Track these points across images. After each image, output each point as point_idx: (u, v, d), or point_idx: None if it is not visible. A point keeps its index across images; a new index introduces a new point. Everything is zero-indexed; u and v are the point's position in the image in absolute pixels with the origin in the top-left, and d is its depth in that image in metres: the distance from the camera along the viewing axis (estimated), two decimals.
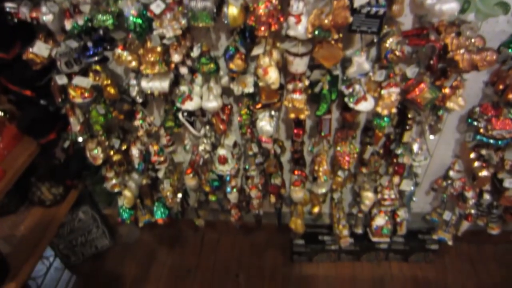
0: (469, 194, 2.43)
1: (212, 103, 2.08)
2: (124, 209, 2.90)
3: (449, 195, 2.54)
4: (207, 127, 2.41)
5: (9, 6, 1.89)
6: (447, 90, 1.94)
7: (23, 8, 1.88)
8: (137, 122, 2.33)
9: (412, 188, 2.53)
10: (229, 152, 2.39)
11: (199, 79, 2.15)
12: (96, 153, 2.50)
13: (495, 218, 2.65)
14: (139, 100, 2.23)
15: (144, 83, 2.09)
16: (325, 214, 3.15)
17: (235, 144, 2.49)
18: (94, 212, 3.34)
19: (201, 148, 2.41)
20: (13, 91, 2.22)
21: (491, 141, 2.09)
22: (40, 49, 1.97)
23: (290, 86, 2.01)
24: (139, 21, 1.79)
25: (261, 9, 1.67)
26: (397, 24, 1.89)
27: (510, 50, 1.88)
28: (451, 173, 2.49)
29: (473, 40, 1.72)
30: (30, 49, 1.98)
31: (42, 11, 1.86)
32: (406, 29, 1.93)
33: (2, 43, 2.02)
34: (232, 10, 1.76)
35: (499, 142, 2.09)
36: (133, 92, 2.19)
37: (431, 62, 1.85)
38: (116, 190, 2.75)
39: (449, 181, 2.51)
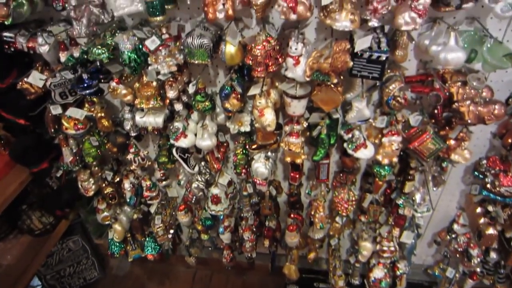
0: (474, 252, 2.26)
1: (206, 142, 2.01)
2: (114, 243, 2.80)
3: (453, 250, 2.38)
4: (202, 163, 2.33)
5: (6, 35, 1.89)
6: (452, 142, 1.84)
7: (20, 38, 1.88)
8: (130, 156, 2.26)
9: (413, 240, 2.38)
10: (223, 191, 2.29)
11: (195, 115, 2.10)
12: (87, 185, 2.43)
13: (502, 278, 2.46)
14: (133, 133, 2.18)
15: (138, 118, 2.04)
16: (322, 260, 2.99)
17: (230, 183, 2.40)
18: (85, 242, 3.23)
19: (194, 185, 2.33)
20: (7, 120, 2.18)
21: (499, 198, 1.96)
22: (35, 79, 1.94)
23: (287, 128, 1.93)
24: (134, 56, 1.75)
25: (258, 50, 1.61)
26: (401, 69, 1.82)
27: None
28: (456, 226, 2.34)
29: (480, 91, 1.63)
30: (25, 79, 1.96)
31: (39, 42, 1.86)
32: (410, 74, 1.87)
33: None
34: (230, 49, 1.72)
35: (507, 200, 1.95)
36: (127, 125, 2.14)
37: (435, 111, 1.76)
38: (107, 222, 2.67)
39: (453, 235, 2.36)
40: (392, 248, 2.36)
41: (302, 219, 2.47)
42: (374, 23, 1.52)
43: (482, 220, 2.14)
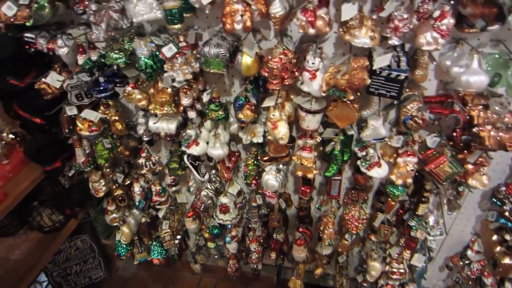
0: (488, 280, 2.17)
1: (218, 151, 2.00)
2: (121, 245, 2.80)
3: (465, 277, 2.29)
4: (213, 171, 2.31)
5: (27, 36, 1.91)
6: (469, 166, 1.77)
7: (40, 39, 1.90)
8: (141, 160, 2.26)
9: (424, 264, 2.31)
10: (232, 201, 2.27)
11: (208, 123, 2.09)
12: (98, 186, 2.44)
13: None
14: (146, 138, 2.18)
15: (152, 123, 2.04)
16: (329, 276, 2.93)
17: (239, 193, 2.37)
18: (93, 242, 3.25)
19: (203, 193, 2.31)
20: (23, 118, 2.21)
21: None
22: (52, 80, 1.97)
23: (300, 142, 1.90)
24: (151, 62, 1.76)
25: (275, 63, 1.59)
26: (420, 88, 1.78)
27: None
28: (469, 252, 2.26)
29: (502, 116, 1.57)
30: (43, 79, 1.98)
31: (58, 44, 1.88)
32: (429, 94, 1.82)
33: (17, 71, 2.04)
34: (246, 60, 1.71)
35: None
36: (140, 130, 2.14)
37: (454, 134, 1.71)
38: (115, 224, 2.67)
39: (466, 262, 2.28)
40: (402, 270, 2.30)
41: (310, 234, 2.43)
42: (394, 41, 1.48)
43: (498, 249, 2.05)
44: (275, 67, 1.60)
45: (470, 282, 2.32)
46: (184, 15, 1.68)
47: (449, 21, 1.41)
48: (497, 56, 1.59)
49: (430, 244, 2.25)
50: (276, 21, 1.56)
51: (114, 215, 2.63)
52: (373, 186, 2.28)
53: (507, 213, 1.92)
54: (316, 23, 1.47)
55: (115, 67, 1.94)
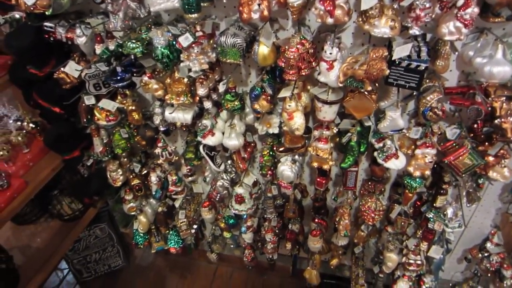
0: (508, 273, 2.14)
1: (233, 141, 2.00)
2: (139, 233, 2.85)
3: (484, 269, 2.27)
4: (229, 162, 2.32)
5: (47, 25, 1.94)
6: (490, 158, 1.73)
7: (59, 28, 1.92)
8: (158, 150, 2.28)
9: (441, 256, 2.28)
10: (247, 191, 2.28)
11: (224, 114, 2.09)
12: (116, 175, 2.48)
13: None
14: (162, 128, 2.19)
15: (168, 113, 2.05)
16: (345, 266, 2.93)
17: (255, 184, 2.38)
18: (111, 230, 3.31)
19: (219, 183, 2.32)
20: (43, 107, 2.24)
21: None
22: (71, 69, 1.99)
23: (316, 133, 1.89)
24: (167, 51, 1.76)
25: (291, 53, 1.57)
26: (441, 79, 1.74)
27: None
28: (489, 245, 2.23)
29: None
30: (62, 69, 2.01)
31: (77, 33, 1.90)
32: (450, 85, 1.78)
33: (37, 60, 2.07)
34: (263, 49, 1.70)
35: None
36: (157, 120, 2.16)
37: (475, 125, 1.67)
38: (132, 213, 2.71)
39: (486, 254, 2.25)
40: (419, 262, 2.27)
41: (326, 225, 2.42)
42: (415, 31, 1.45)
43: None
44: (291, 57, 1.58)
45: (489, 274, 2.29)
46: (202, 4, 1.66)
47: (473, 10, 1.36)
48: None
49: (448, 236, 2.22)
50: (294, 11, 1.54)
51: (131, 204, 2.67)
52: (390, 178, 2.25)
53: None
54: (334, 12, 1.44)
55: (132, 57, 1.96)
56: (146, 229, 2.82)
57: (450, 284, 2.75)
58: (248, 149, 2.20)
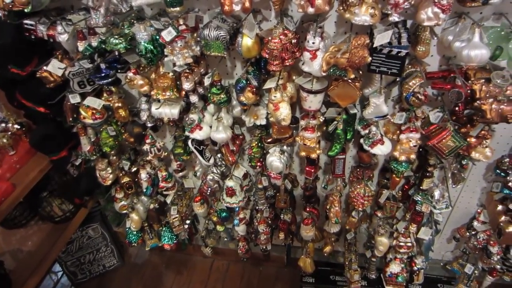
0: (494, 249, 2.22)
1: (221, 135, 2.01)
2: (132, 232, 2.85)
3: (472, 247, 2.33)
4: (218, 155, 2.33)
5: (27, 23, 1.90)
6: (472, 140, 1.78)
7: (40, 26, 1.89)
8: (146, 146, 2.28)
9: (430, 237, 2.34)
10: (238, 184, 2.29)
11: (211, 107, 2.10)
12: (105, 174, 2.47)
13: None
14: (149, 124, 2.19)
15: (154, 109, 2.05)
16: (339, 253, 2.98)
17: (245, 176, 2.40)
18: (104, 230, 3.30)
19: (209, 177, 2.33)
20: (27, 107, 2.22)
21: None
22: (54, 68, 1.97)
23: (302, 123, 1.91)
24: (151, 46, 1.75)
25: (274, 43, 1.59)
26: (422, 64, 1.77)
27: None
28: (475, 223, 2.29)
29: (504, 89, 1.56)
30: (45, 67, 1.98)
31: (58, 30, 1.87)
32: (432, 70, 1.81)
33: (18, 59, 2.03)
34: (246, 41, 1.70)
35: None
36: (144, 116, 2.15)
37: (457, 108, 1.71)
38: (124, 211, 2.71)
39: (473, 232, 2.32)
40: (409, 244, 2.33)
41: (318, 213, 2.46)
42: (395, 18, 1.47)
43: (502, 218, 2.08)
44: (274, 48, 1.60)
45: (477, 252, 2.37)
46: None
47: None
48: (498, 29, 1.57)
49: (436, 217, 2.28)
50: (276, 1, 1.55)
51: (122, 202, 2.66)
52: (378, 163, 2.29)
53: (510, 184, 1.94)
54: (315, 2, 1.46)
55: (116, 53, 1.95)
56: (139, 226, 2.82)
57: (441, 264, 2.83)
58: (237, 142, 2.21)
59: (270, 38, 1.62)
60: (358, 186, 2.15)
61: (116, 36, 1.79)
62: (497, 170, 2.01)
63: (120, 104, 2.13)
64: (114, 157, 2.51)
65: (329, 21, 1.77)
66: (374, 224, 2.49)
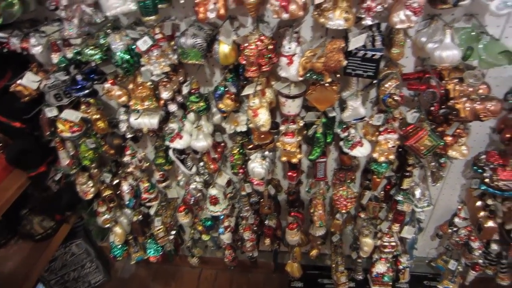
0: (475, 244, 2.26)
1: (201, 143, 2.00)
2: (116, 246, 2.79)
3: (454, 243, 2.37)
4: (200, 164, 2.31)
5: None
6: (449, 138, 1.82)
7: (13, 38, 1.85)
8: (127, 158, 2.26)
9: (414, 235, 2.37)
10: (221, 192, 2.28)
11: (191, 115, 2.08)
12: (86, 188, 2.43)
13: (505, 268, 2.46)
14: (129, 135, 2.17)
15: (133, 119, 2.03)
16: (326, 256, 2.98)
17: (229, 183, 2.39)
18: (88, 245, 3.23)
19: (192, 187, 2.32)
20: (2, 122, 2.17)
21: (497, 192, 1.95)
22: (28, 81, 1.94)
23: (282, 128, 1.92)
24: (127, 56, 1.74)
25: (250, 50, 1.59)
26: (398, 66, 1.80)
27: None
28: (457, 220, 2.32)
29: (476, 88, 1.61)
30: (19, 81, 1.94)
31: (31, 43, 1.83)
32: (408, 71, 1.85)
33: None
34: (223, 48, 1.71)
35: (505, 194, 1.94)
36: (123, 127, 2.13)
37: (432, 108, 1.74)
38: (107, 225, 2.66)
39: (454, 229, 2.35)
40: (393, 243, 2.35)
41: (302, 217, 2.46)
42: (368, 21, 1.49)
43: (481, 214, 2.13)
44: (251, 54, 1.61)
45: (459, 248, 2.41)
46: (159, 6, 1.65)
47: None
48: (469, 30, 1.62)
49: (419, 216, 2.31)
50: (251, 8, 1.55)
51: (105, 216, 2.61)
52: (359, 165, 2.31)
53: (487, 180, 1.98)
54: (289, 7, 1.47)
55: (93, 64, 1.92)
56: (123, 240, 2.77)
57: (426, 261, 2.86)
58: (218, 149, 2.21)
59: (246, 44, 1.63)
60: (341, 189, 2.17)
61: (92, 47, 1.77)
62: (475, 167, 2.05)
63: (98, 116, 2.09)
64: (95, 170, 2.46)
65: (306, 26, 1.79)
66: (358, 226, 2.51)
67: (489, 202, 2.10)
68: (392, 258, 2.53)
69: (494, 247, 2.33)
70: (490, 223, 2.09)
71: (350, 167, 2.22)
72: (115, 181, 2.51)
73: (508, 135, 1.80)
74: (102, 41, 1.78)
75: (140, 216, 2.66)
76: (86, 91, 1.96)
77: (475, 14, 1.63)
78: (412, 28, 1.59)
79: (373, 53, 1.55)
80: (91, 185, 2.46)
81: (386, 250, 2.37)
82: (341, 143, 1.93)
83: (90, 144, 2.22)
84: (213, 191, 2.26)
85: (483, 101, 1.61)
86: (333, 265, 2.69)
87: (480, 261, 2.42)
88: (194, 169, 2.27)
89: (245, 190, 2.34)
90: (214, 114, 2.06)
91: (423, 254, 2.84)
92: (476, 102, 1.60)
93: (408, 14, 1.47)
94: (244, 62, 1.68)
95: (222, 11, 1.55)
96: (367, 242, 2.39)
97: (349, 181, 2.23)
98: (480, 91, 1.61)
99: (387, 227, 2.31)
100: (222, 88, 1.82)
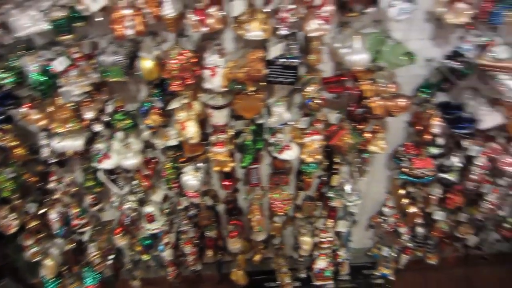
0: (403, 229, 2.45)
1: (130, 161, 1.96)
2: (48, 280, 2.60)
3: (385, 231, 2.55)
4: (133, 182, 2.25)
5: None
6: (367, 135, 1.96)
7: None
8: (53, 184, 2.13)
9: (348, 228, 2.51)
10: (158, 208, 2.24)
11: (118, 134, 2.02)
12: (7, 222, 2.24)
13: (431, 248, 2.69)
14: (52, 160, 2.05)
15: (56, 143, 1.92)
16: (270, 259, 3.03)
17: (165, 198, 2.35)
18: (17, 285, 2.96)
19: (126, 206, 2.24)
20: None
21: (416, 179, 2.13)
22: None
23: (213, 138, 1.94)
24: (42, 78, 1.66)
25: (173, 64, 1.60)
26: (317, 71, 1.90)
27: (423, 94, 1.95)
28: (385, 209, 2.51)
29: (387, 87, 1.76)
30: None
31: None
32: (327, 75, 1.95)
33: None
34: (146, 64, 1.69)
35: (423, 180, 2.13)
36: (45, 152, 2.01)
37: (351, 108, 1.87)
38: (37, 259, 2.46)
39: (384, 218, 2.53)
40: (330, 239, 2.47)
41: (242, 224, 2.49)
42: (283, 31, 1.57)
43: (404, 201, 2.31)
44: (173, 68, 1.61)
45: (389, 235, 2.59)
46: (75, 24, 1.60)
47: (329, 8, 1.54)
48: (376, 35, 1.76)
49: (351, 209, 2.44)
50: (170, 23, 1.57)
51: (33, 249, 2.41)
52: (292, 168, 2.40)
53: (405, 169, 2.17)
54: (206, 21, 1.50)
55: (6, 89, 1.80)
56: (55, 272, 2.56)
57: (363, 252, 3.02)
58: (150, 166, 2.16)
59: (168, 59, 1.63)
60: (275, 192, 2.23)
61: (3, 70, 1.67)
62: (395, 159, 2.23)
63: (16, 143, 1.96)
64: (18, 201, 2.28)
65: (228, 38, 1.84)
66: (296, 226, 2.59)
67: (410, 189, 2.29)
68: (331, 253, 2.64)
69: (420, 230, 2.53)
70: (412, 209, 2.28)
71: (283, 171, 2.29)
72: (42, 210, 2.35)
73: (419, 127, 1.99)
74: (14, 63, 1.68)
75: (73, 244, 2.51)
76: (0, 118, 1.83)
77: (381, 20, 1.78)
78: (327, 35, 1.70)
79: (291, 60, 1.63)
80: (14, 217, 2.27)
81: (324, 246, 2.48)
82: (271, 148, 1.99)
83: (9, 173, 2.06)
84: (148, 209, 2.21)
85: (394, 98, 1.76)
86: (277, 268, 2.75)
87: (410, 244, 2.62)
88: (126, 188, 2.20)
89: (182, 204, 2.31)
90: (142, 130, 2.02)
91: (360, 245, 2.99)
92: (387, 99, 1.76)
93: (319, 23, 1.57)
94: (167, 76, 1.67)
95: (140, 28, 1.54)
96: (306, 241, 2.48)
97: (283, 184, 2.29)
98: (390, 89, 1.76)
99: (322, 224, 2.41)
100: (147, 104, 1.80)
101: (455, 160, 2.12)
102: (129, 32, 1.53)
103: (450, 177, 2.16)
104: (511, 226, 2.52)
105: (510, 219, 2.51)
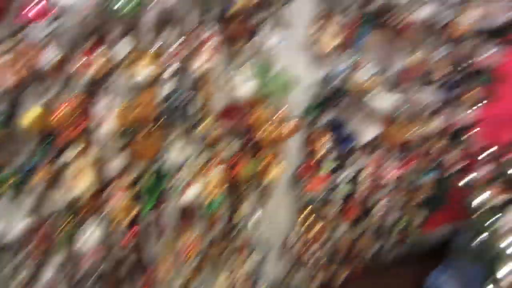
0: (313, 248, 2.57)
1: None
2: None
3: (296, 256, 2.64)
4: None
5: None
6: (264, 162, 2.06)
7: None
8: None
9: (260, 261, 2.54)
10: None
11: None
12: None
13: (340, 264, 2.82)
14: None
15: None
16: None
17: None
18: None
19: None
20: None
21: (315, 198, 2.30)
22: None
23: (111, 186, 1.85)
24: None
25: (58, 114, 1.53)
26: (211, 105, 1.96)
27: (309, 116, 2.15)
28: (291, 234, 2.59)
29: (277, 113, 1.90)
30: None
31: None
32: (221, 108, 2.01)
33: None
34: (29, 115, 1.57)
35: (321, 197, 2.31)
36: None
37: (246, 138, 1.97)
38: None
39: (293, 242, 2.61)
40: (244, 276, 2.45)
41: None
42: (171, 69, 1.64)
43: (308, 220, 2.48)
44: (60, 118, 1.54)
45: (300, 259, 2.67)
46: None
47: (215, 42, 1.69)
48: (259, 65, 1.89)
49: (259, 241, 2.47)
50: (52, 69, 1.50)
51: None
52: (199, 207, 2.36)
53: (304, 190, 2.35)
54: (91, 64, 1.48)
55: None
56: None
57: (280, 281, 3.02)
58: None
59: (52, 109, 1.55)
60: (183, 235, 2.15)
61: None
62: (295, 181, 2.39)
63: None
64: None
65: (117, 80, 1.77)
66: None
67: (313, 208, 2.43)
68: None
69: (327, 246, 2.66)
70: (317, 227, 2.42)
71: (190, 212, 2.24)
72: None
73: (310, 147, 2.16)
74: None
75: None
76: None
77: (263, 50, 1.88)
78: (215, 69, 1.79)
79: (183, 97, 1.68)
80: None
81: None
82: (172, 189, 1.96)
83: None
84: None
85: (283, 122, 1.90)
86: None
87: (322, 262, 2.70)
88: None
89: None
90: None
91: (277, 275, 3.00)
92: (275, 126, 1.89)
93: (206, 58, 1.67)
94: (56, 125, 1.58)
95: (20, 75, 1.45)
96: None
97: (189, 226, 2.23)
98: (280, 115, 1.90)
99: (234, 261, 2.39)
100: (34, 159, 1.66)
101: (347, 174, 2.32)
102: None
103: (345, 190, 2.35)
104: (402, 229, 2.82)
105: (400, 222, 2.81)
